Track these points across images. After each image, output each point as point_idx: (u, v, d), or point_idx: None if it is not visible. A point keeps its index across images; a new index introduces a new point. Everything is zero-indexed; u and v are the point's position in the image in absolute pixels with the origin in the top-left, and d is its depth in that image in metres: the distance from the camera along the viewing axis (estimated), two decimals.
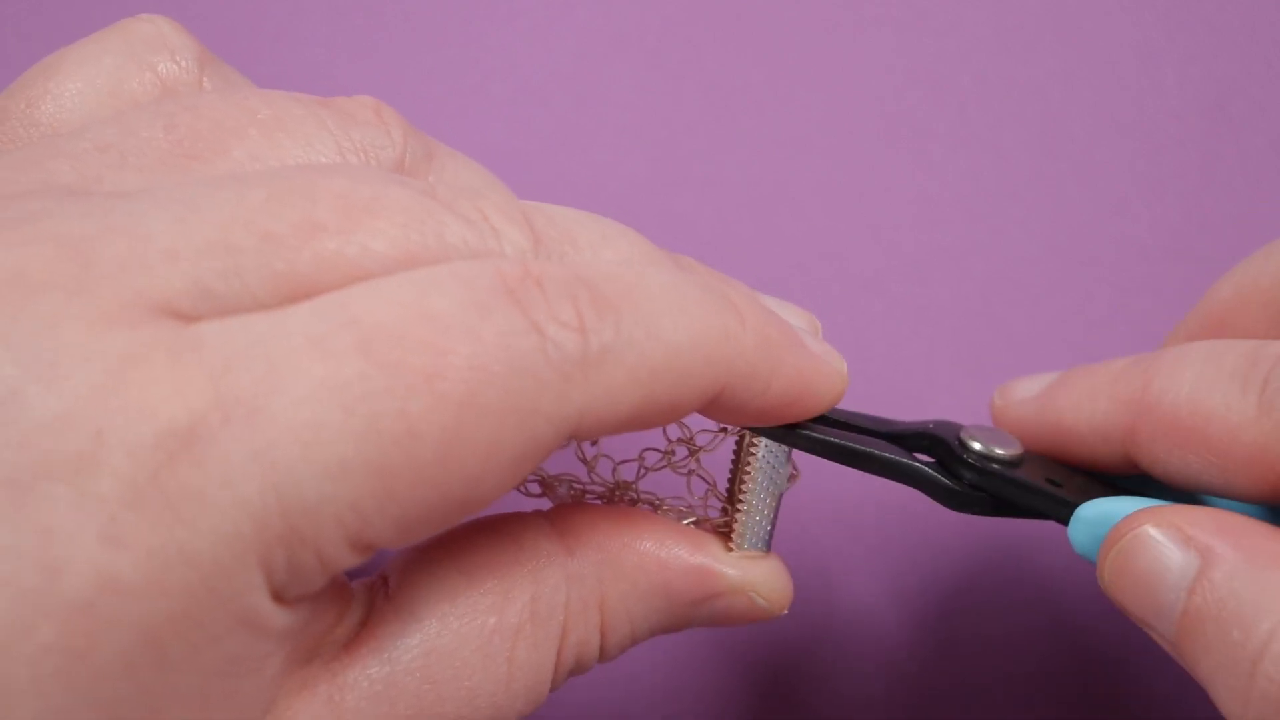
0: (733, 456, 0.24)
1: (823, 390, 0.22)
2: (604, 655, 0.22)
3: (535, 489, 0.24)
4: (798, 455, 0.24)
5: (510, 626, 0.20)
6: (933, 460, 0.24)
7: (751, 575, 0.23)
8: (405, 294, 0.17)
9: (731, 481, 0.24)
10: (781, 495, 0.24)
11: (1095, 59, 0.34)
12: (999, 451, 0.23)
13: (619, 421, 0.19)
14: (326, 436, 0.16)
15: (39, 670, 0.15)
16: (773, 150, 0.34)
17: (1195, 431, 0.21)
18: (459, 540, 0.21)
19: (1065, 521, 0.22)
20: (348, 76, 0.34)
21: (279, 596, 0.17)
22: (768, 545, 0.24)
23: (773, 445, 0.23)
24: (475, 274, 0.17)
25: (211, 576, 0.16)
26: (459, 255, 0.18)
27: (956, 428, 0.24)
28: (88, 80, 0.21)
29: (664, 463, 0.24)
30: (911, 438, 0.25)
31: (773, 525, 0.24)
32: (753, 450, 0.23)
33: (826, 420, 0.24)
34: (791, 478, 0.24)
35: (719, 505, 0.24)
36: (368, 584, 0.20)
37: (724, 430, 0.24)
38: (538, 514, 0.22)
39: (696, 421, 0.24)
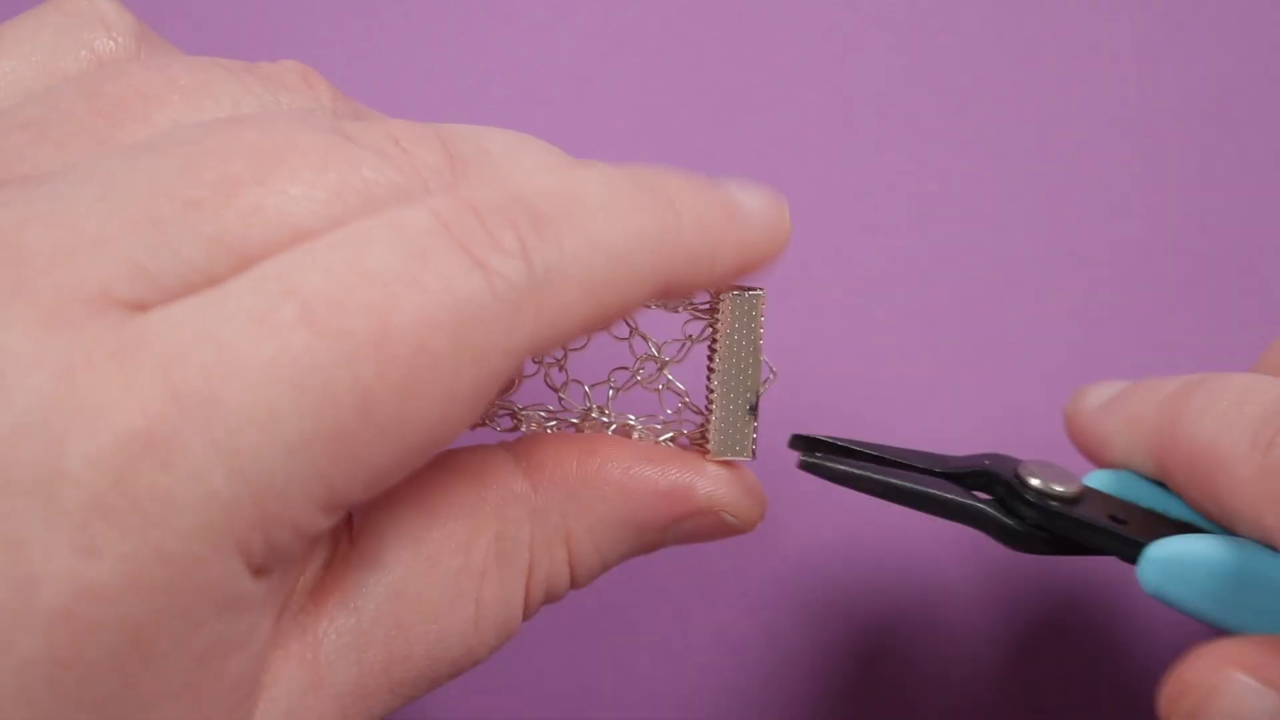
0: (706, 365, 0.24)
1: (766, 250, 0.21)
2: (575, 584, 0.22)
3: (507, 423, 0.24)
4: (773, 356, 0.23)
5: (476, 567, 0.20)
6: (990, 498, 0.24)
7: (720, 494, 0.22)
8: (340, 256, 0.17)
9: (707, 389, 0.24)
10: (758, 396, 0.23)
11: (1095, 59, 0.34)
12: (1058, 489, 0.23)
13: (570, 334, 0.19)
14: (284, 415, 0.16)
15: (26, 680, 0.15)
16: (772, 150, 0.34)
17: (1208, 475, 0.21)
18: (422, 480, 0.21)
19: (1131, 560, 0.22)
20: (348, 76, 0.34)
21: (258, 572, 0.17)
22: (752, 452, 0.23)
23: (742, 343, 0.23)
24: (409, 220, 0.17)
25: (189, 570, 0.16)
26: (379, 188, 0.18)
27: (1013, 463, 0.24)
28: (22, 58, 0.20)
29: (633, 381, 0.24)
30: (967, 475, 0.24)
31: (753, 430, 0.23)
32: (719, 349, 0.23)
33: (880, 460, 0.24)
34: (767, 379, 0.23)
35: (696, 419, 0.24)
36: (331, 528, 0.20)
37: (689, 339, 0.24)
38: (501, 447, 0.22)
39: (662, 333, 0.24)
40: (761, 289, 0.23)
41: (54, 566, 0.15)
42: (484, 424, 0.24)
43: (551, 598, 0.22)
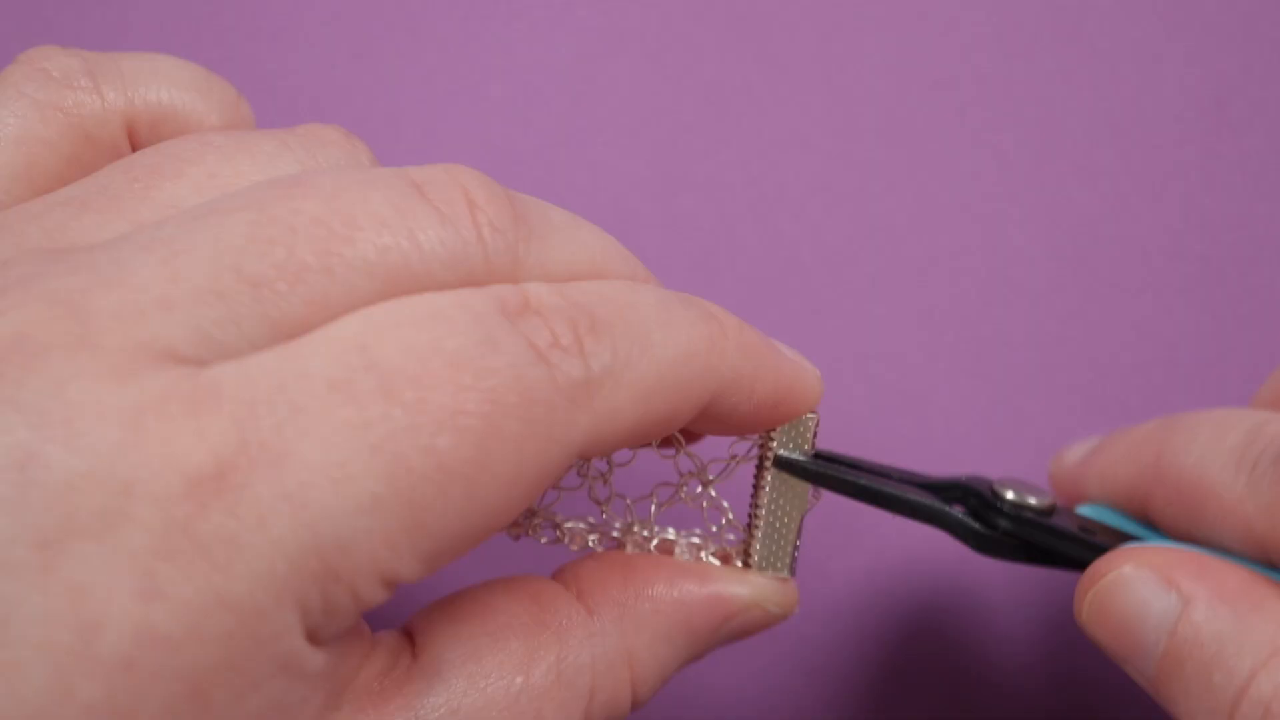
0: (753, 482, 0.24)
1: (804, 390, 0.23)
2: (636, 704, 0.22)
3: (550, 534, 0.24)
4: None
5: (537, 688, 0.20)
6: (963, 510, 0.25)
7: (761, 590, 0.23)
8: (421, 335, 0.17)
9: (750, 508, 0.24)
10: (802, 518, 0.24)
11: (1095, 59, 0.34)
12: (1032, 500, 0.24)
13: (621, 438, 0.19)
14: (356, 474, 0.16)
15: None
16: (773, 150, 0.34)
17: (1197, 504, 0.22)
18: (481, 600, 0.21)
19: None
20: (348, 76, 0.34)
21: (313, 637, 0.17)
22: (791, 569, 0.24)
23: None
24: (481, 308, 0.18)
25: (250, 620, 0.16)
26: (438, 259, 0.18)
27: (988, 480, 0.25)
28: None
29: (677, 497, 0.24)
30: (943, 488, 0.25)
31: (795, 549, 0.24)
32: (765, 473, 0.24)
33: (859, 466, 0.24)
34: (811, 503, 0.24)
35: (738, 535, 0.24)
36: (393, 638, 0.21)
37: (734, 458, 0.24)
38: (551, 579, 0.22)
39: (708, 452, 0.24)
40: (815, 413, 0.23)
41: (117, 611, 0.15)
42: (528, 535, 0.24)
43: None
